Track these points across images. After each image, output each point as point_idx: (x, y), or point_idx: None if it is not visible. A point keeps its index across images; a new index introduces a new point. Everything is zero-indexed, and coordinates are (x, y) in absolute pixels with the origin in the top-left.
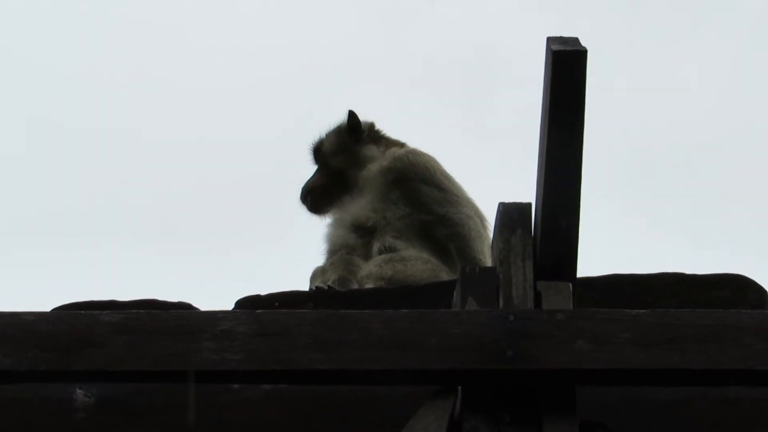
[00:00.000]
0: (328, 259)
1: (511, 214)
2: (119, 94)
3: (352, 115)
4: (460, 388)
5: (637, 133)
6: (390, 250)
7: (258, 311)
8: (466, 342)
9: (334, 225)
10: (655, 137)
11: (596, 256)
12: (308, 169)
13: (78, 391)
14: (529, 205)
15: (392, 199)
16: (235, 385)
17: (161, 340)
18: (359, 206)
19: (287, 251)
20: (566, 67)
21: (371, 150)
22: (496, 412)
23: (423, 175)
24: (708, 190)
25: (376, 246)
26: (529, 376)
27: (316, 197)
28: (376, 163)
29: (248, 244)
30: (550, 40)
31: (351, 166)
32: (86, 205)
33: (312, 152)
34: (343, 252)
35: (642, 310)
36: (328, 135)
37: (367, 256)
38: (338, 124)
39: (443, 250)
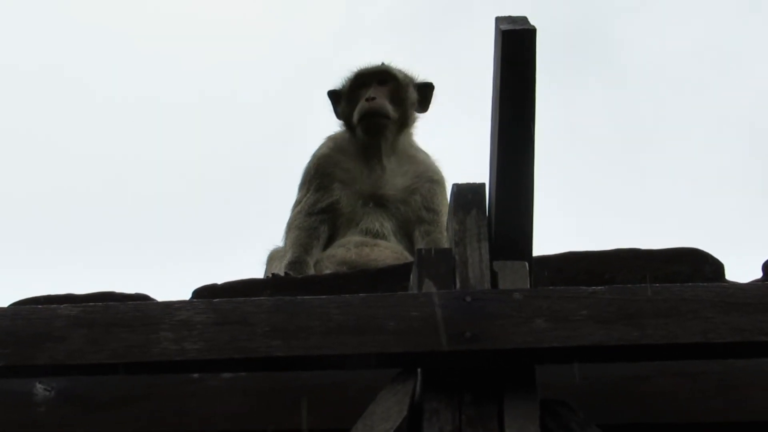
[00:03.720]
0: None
1: (465, 194)
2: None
3: (431, 87)
4: (419, 370)
5: (586, 108)
6: (373, 235)
7: (215, 300)
8: (424, 324)
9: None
10: (602, 112)
11: (552, 234)
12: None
13: (38, 385)
14: (483, 185)
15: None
16: (195, 375)
17: (120, 332)
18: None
19: (242, 239)
20: (516, 46)
21: (411, 140)
22: (456, 393)
23: (433, 206)
24: (660, 165)
25: (360, 226)
26: (488, 357)
27: (384, 124)
28: (404, 171)
29: (203, 234)
30: (499, 20)
31: (394, 132)
32: (38, 197)
33: (375, 72)
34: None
35: (599, 287)
36: (402, 73)
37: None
38: (414, 78)
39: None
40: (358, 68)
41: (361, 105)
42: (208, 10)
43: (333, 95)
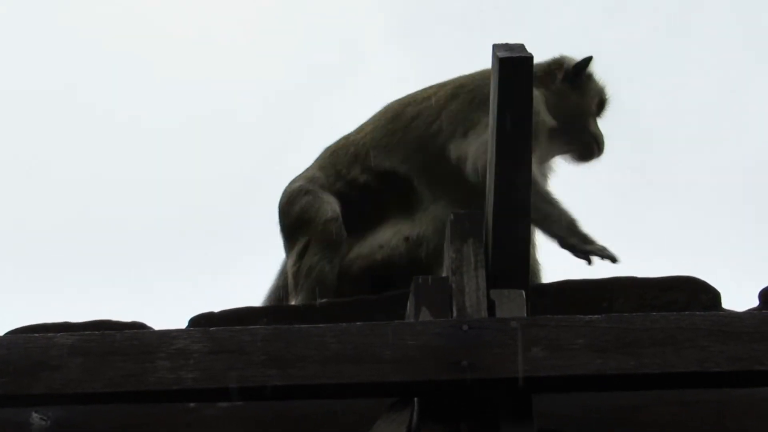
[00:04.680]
0: None
1: (462, 223)
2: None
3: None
4: (416, 399)
5: None
6: None
7: (212, 329)
8: (420, 353)
9: None
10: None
11: (549, 263)
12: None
13: (34, 414)
14: (480, 213)
15: None
16: (192, 404)
17: (116, 361)
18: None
19: (240, 267)
20: (512, 73)
21: None
22: (453, 422)
23: None
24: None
25: None
26: (484, 386)
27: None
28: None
29: (200, 262)
30: (496, 47)
31: None
32: (32, 228)
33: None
34: None
35: (596, 316)
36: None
37: None
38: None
39: None
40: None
41: (600, 134)
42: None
43: (578, 67)
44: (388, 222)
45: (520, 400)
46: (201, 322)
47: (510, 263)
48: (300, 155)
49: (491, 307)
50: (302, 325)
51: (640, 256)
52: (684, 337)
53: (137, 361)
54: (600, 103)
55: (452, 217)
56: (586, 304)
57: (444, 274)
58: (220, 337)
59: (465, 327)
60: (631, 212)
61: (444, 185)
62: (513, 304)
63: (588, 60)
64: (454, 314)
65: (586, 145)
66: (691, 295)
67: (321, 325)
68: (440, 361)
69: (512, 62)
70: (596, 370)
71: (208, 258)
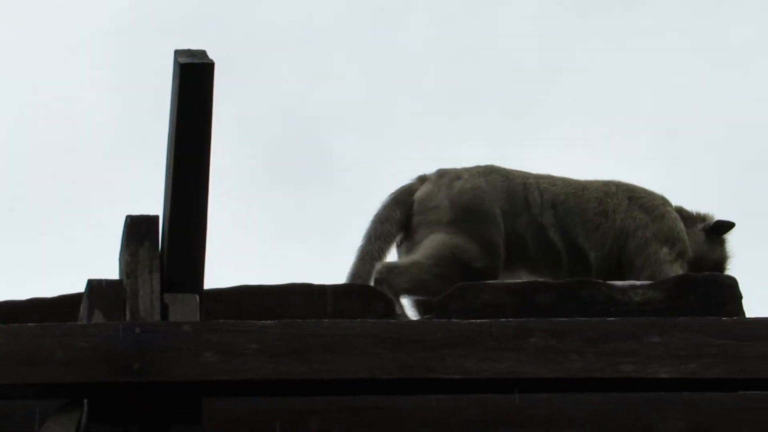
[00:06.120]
0: None
1: (138, 226)
2: None
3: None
4: (86, 401)
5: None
6: None
7: None
8: (92, 355)
9: None
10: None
11: (227, 268)
12: None
13: None
14: (156, 217)
15: None
16: None
17: None
18: None
19: None
20: (194, 79)
21: None
22: (123, 424)
23: None
24: (331, 204)
25: None
26: (155, 389)
27: None
28: None
29: None
30: (178, 53)
31: None
32: None
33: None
34: None
35: (269, 321)
36: None
37: None
38: None
39: None
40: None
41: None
42: None
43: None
44: None
45: (190, 404)
46: None
47: (185, 268)
48: None
49: (165, 310)
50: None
51: (319, 264)
52: (355, 344)
53: None
54: (718, 264)
55: (128, 220)
56: (262, 309)
57: (119, 278)
58: None
59: (137, 330)
60: (304, 220)
61: None
62: (187, 308)
63: (730, 225)
64: (128, 317)
65: None
66: (366, 302)
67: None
68: (111, 364)
69: (193, 69)
70: (267, 374)
71: None
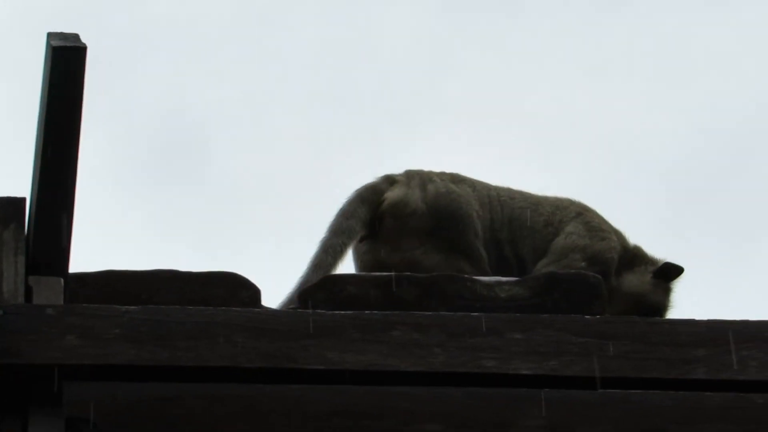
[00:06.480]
0: None
1: (5, 208)
2: None
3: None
4: None
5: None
6: None
7: None
8: None
9: None
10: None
11: (97, 257)
12: None
13: None
14: (23, 199)
15: None
16: None
17: None
18: None
19: None
20: (65, 62)
21: None
22: None
23: None
24: (207, 203)
25: None
26: (15, 371)
27: None
28: None
29: None
30: (51, 36)
31: None
32: None
33: None
34: None
35: (133, 307)
36: None
37: None
38: None
39: None
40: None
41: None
42: None
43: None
44: None
45: (51, 388)
46: None
47: (50, 251)
48: None
49: (29, 293)
50: None
51: (183, 251)
52: (218, 332)
53: None
54: (656, 310)
55: None
56: (127, 295)
57: None
58: None
59: (0, 312)
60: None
61: None
62: (51, 292)
63: (678, 271)
64: None
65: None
66: (232, 291)
67: None
68: None
69: (65, 52)
70: (129, 360)
71: None
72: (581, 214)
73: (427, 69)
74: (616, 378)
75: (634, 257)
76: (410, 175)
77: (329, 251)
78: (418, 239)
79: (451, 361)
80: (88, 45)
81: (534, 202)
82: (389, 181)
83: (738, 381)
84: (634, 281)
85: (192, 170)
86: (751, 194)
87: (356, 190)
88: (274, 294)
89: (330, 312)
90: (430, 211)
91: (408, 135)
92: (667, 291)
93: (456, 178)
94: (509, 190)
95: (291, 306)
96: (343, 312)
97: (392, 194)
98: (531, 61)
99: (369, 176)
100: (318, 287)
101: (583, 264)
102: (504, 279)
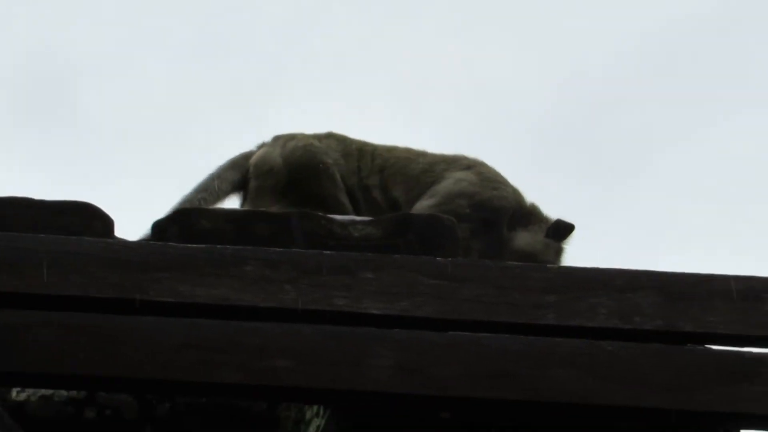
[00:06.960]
0: None
1: None
2: None
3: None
4: None
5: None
6: None
7: None
8: None
9: None
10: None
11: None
12: None
13: None
14: None
15: None
16: None
17: None
18: None
19: None
20: None
21: None
22: None
23: None
24: (74, 148)
25: None
26: None
27: None
28: None
29: None
30: None
31: None
32: None
33: None
34: None
35: None
36: None
37: None
38: None
39: None
40: None
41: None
42: None
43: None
44: None
45: None
46: None
47: None
48: None
49: None
50: None
51: (42, 184)
52: (70, 261)
53: None
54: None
55: None
56: None
57: None
58: None
59: None
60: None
61: None
62: None
63: (569, 228)
64: None
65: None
66: (86, 221)
67: None
68: None
69: None
70: None
71: None
72: (474, 166)
73: (295, 30)
74: (466, 321)
75: (530, 215)
76: (277, 138)
77: (185, 205)
78: (274, 197)
79: (302, 297)
80: None
81: (417, 155)
82: (260, 147)
83: (587, 327)
84: (527, 238)
85: (58, 108)
86: (615, 142)
87: (231, 157)
88: (129, 228)
89: (183, 245)
90: (286, 164)
91: (278, 93)
92: (558, 251)
93: (326, 135)
94: (394, 148)
95: (143, 238)
96: (195, 245)
97: (255, 157)
98: (402, 17)
99: (237, 130)
100: (172, 220)
101: (467, 211)
102: (359, 218)
